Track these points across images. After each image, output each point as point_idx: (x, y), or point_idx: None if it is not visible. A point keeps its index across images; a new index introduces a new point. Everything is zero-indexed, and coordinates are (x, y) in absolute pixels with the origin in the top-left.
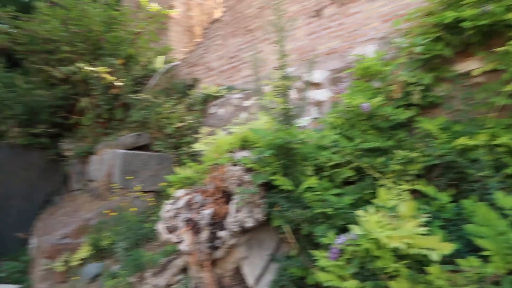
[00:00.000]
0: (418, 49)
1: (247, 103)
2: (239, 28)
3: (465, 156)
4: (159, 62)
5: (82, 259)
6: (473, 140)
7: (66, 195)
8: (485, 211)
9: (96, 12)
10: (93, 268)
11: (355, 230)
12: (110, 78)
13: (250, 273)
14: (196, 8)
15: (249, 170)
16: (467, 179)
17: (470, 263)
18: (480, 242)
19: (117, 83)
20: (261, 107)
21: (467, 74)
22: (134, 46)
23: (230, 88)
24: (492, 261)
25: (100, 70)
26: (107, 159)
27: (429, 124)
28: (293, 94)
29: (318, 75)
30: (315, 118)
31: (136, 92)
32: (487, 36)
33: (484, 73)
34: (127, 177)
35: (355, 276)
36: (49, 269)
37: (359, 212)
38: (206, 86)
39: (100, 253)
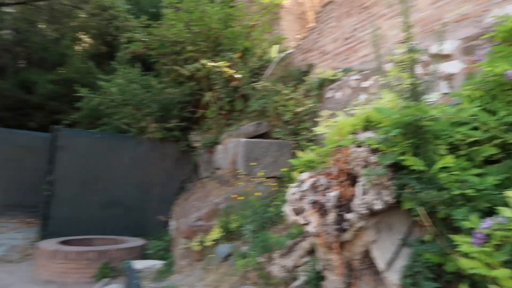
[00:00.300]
0: None
1: (366, 83)
2: (354, 7)
3: None
4: (273, 52)
5: (214, 240)
6: None
7: (197, 182)
8: None
9: (214, 11)
10: (224, 248)
11: (505, 212)
12: (229, 71)
13: (380, 257)
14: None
15: (374, 151)
16: None
17: None
18: None
19: (236, 76)
20: (384, 85)
21: None
22: (249, 39)
23: (347, 70)
24: None
25: (221, 65)
26: (231, 148)
27: None
28: (418, 69)
29: (447, 46)
30: (446, 93)
31: (253, 83)
32: None
33: None
34: (250, 164)
35: (506, 264)
36: (187, 248)
37: (509, 193)
38: (322, 71)
39: (229, 234)
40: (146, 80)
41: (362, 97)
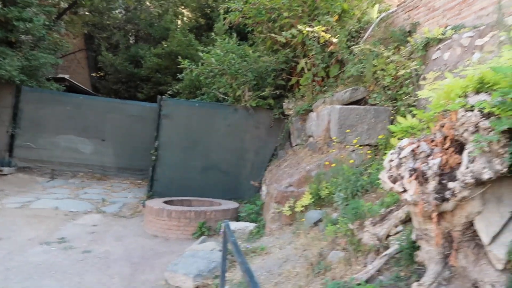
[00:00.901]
0: None
1: (481, 41)
2: None
3: None
4: (373, 12)
5: (304, 206)
6: None
7: (289, 150)
8: None
9: None
10: (315, 214)
11: None
12: (326, 36)
13: (484, 230)
14: None
15: (488, 115)
16: None
17: None
18: None
19: (333, 40)
20: (505, 40)
21: None
22: (347, 1)
23: (458, 28)
24: None
25: (317, 29)
26: (325, 115)
27: None
28: None
29: None
30: None
31: (351, 46)
32: None
33: None
34: (344, 131)
35: None
36: (278, 212)
37: None
38: (428, 29)
39: (320, 201)
40: (242, 50)
41: (476, 56)
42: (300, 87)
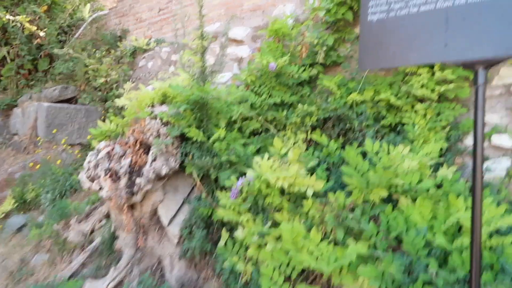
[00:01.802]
0: (322, 13)
1: (174, 57)
2: None
3: (354, 109)
4: (85, 11)
5: (5, 212)
6: (361, 95)
7: None
8: (354, 155)
9: None
10: (18, 219)
11: (250, 173)
12: (31, 27)
13: (164, 215)
14: None
15: (166, 123)
16: (353, 130)
17: (336, 196)
18: (346, 179)
19: (40, 33)
20: (181, 64)
21: None
22: None
23: (160, 41)
24: (353, 194)
25: (21, 19)
26: (31, 112)
27: (328, 82)
28: (216, 50)
29: (240, 32)
30: (236, 74)
31: (62, 42)
32: None
33: None
34: (52, 131)
35: (249, 210)
36: None
37: (256, 159)
38: (136, 38)
39: (25, 205)
40: None
41: (171, 69)
42: (1, 78)
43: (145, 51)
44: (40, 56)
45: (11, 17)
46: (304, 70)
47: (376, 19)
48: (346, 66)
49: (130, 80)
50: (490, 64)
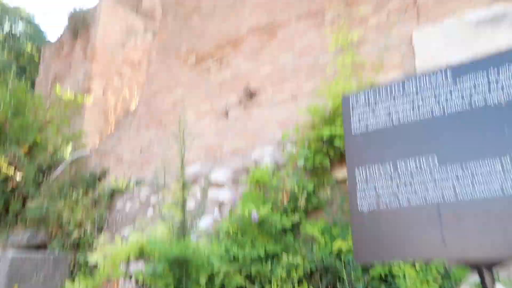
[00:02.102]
0: (301, 161)
1: (154, 199)
2: (153, 121)
3: (340, 258)
4: (68, 151)
5: None
6: (346, 243)
7: None
8: None
9: (5, 95)
10: None
11: None
12: (9, 171)
13: None
14: (113, 95)
15: (143, 284)
16: (342, 281)
17: None
18: None
19: (16, 177)
20: (161, 215)
21: (344, 181)
22: (42, 133)
23: (139, 182)
24: None
25: (1, 163)
26: None
27: (311, 228)
28: (197, 193)
29: (220, 175)
30: (216, 220)
31: (39, 183)
32: None
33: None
34: (13, 285)
35: None
36: None
37: None
38: (115, 179)
39: None
40: None
41: (150, 212)
42: None
43: (123, 192)
44: (13, 197)
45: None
46: (287, 217)
47: (367, 210)
48: (328, 211)
49: (106, 224)
50: (495, 263)
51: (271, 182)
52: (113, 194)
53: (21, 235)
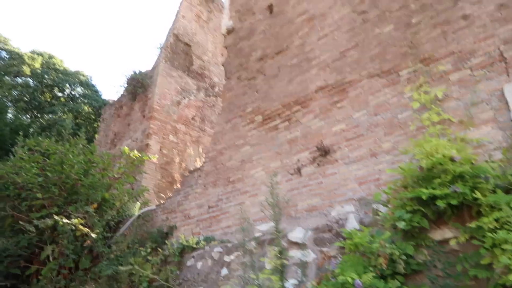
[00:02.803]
0: (402, 224)
1: (228, 258)
2: (220, 178)
3: None
4: (134, 207)
5: None
6: None
7: None
8: None
9: (75, 157)
10: None
11: None
12: (83, 229)
13: None
14: (175, 155)
15: None
16: None
17: None
18: None
19: (90, 234)
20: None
21: (445, 242)
22: (109, 190)
23: (209, 239)
24: None
25: (76, 221)
26: None
27: None
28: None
29: (300, 234)
30: (301, 282)
31: (107, 239)
32: (459, 210)
33: (459, 243)
34: None
35: None
36: None
37: None
38: (184, 236)
39: None
40: None
41: (224, 271)
42: (40, 277)
43: (194, 249)
44: (84, 253)
45: (67, 221)
46: (387, 283)
47: None
48: (431, 277)
49: (177, 282)
50: None
51: (371, 247)
52: (183, 251)
53: None
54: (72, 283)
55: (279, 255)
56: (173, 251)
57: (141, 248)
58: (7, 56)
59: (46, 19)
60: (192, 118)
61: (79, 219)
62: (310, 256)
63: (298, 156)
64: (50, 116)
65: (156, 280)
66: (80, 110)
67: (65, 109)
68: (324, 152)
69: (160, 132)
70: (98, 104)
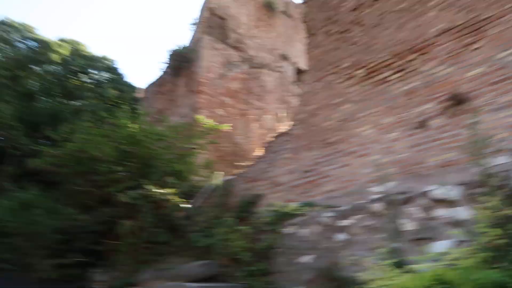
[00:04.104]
0: None
1: (344, 222)
2: (315, 141)
3: None
4: (213, 177)
5: None
6: None
7: None
8: None
9: (151, 129)
10: None
11: None
12: (175, 199)
13: None
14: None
15: None
16: None
17: None
18: None
19: (171, 206)
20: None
21: None
22: (184, 162)
23: (310, 205)
24: None
25: (168, 191)
26: None
27: None
28: (413, 213)
29: (451, 191)
30: (461, 241)
31: (185, 208)
32: None
33: None
34: None
35: None
36: None
37: None
38: (276, 203)
39: None
40: (48, 203)
41: (340, 236)
42: (118, 253)
43: (293, 216)
44: (165, 227)
45: (160, 190)
46: None
47: None
48: None
49: (279, 251)
50: None
51: None
52: (280, 218)
53: (191, 267)
54: (152, 256)
55: (425, 215)
56: (270, 219)
57: (230, 218)
58: (36, 45)
59: (69, 6)
60: (238, 91)
61: (170, 189)
62: (466, 213)
63: (420, 109)
64: (80, 101)
65: (255, 249)
66: (107, 94)
67: (93, 95)
68: (458, 100)
69: (209, 106)
70: (122, 88)
